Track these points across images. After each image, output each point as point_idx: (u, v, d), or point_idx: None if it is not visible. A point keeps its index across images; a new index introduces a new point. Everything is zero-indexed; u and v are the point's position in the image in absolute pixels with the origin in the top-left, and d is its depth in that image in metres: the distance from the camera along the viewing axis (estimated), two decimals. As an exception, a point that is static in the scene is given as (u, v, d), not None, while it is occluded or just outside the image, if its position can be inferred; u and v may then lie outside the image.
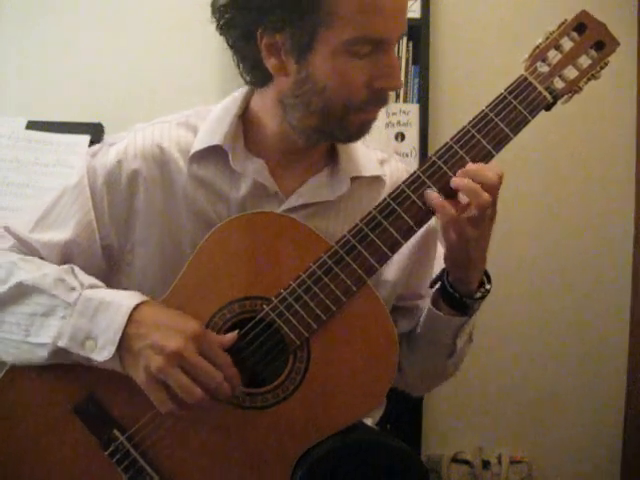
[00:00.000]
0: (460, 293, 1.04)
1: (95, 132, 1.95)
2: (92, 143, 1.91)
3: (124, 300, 0.97)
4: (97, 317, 0.95)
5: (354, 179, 1.10)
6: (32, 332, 0.98)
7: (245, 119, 1.09)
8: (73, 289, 0.98)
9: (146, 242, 1.08)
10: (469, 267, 1.03)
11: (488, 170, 0.96)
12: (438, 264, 1.17)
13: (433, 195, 0.97)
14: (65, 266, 1.03)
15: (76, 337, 0.95)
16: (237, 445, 0.98)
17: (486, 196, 0.94)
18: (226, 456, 0.98)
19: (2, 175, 1.85)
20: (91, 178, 1.08)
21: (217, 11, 1.01)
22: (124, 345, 0.94)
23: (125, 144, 1.09)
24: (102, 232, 1.07)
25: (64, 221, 1.07)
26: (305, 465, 0.95)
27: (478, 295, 1.05)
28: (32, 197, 1.82)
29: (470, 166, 0.97)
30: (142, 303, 0.96)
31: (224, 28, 1.02)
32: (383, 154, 1.18)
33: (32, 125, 1.94)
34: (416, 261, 1.15)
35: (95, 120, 1.98)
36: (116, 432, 0.98)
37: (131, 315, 0.94)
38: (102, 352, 0.94)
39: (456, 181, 0.96)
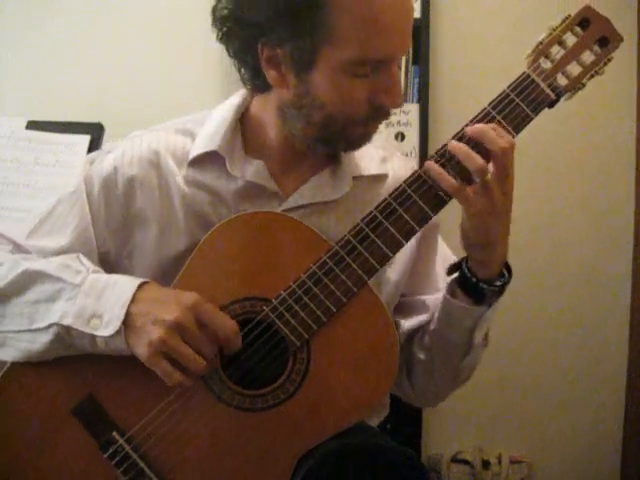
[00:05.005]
0: (478, 278, 1.01)
1: (95, 132, 1.95)
2: (92, 143, 1.91)
3: (128, 280, 0.97)
4: (103, 297, 0.96)
5: (356, 178, 1.10)
6: (37, 319, 0.98)
7: (244, 122, 1.09)
8: (79, 272, 0.99)
9: (144, 246, 1.07)
10: (488, 246, 0.98)
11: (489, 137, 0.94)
12: (442, 259, 1.17)
13: (432, 165, 0.95)
14: (70, 254, 1.03)
15: (82, 315, 0.95)
16: (237, 446, 0.98)
17: (479, 159, 0.93)
18: (226, 458, 0.98)
19: (2, 175, 1.85)
20: (88, 185, 1.08)
21: (217, 22, 1.01)
22: (128, 323, 0.94)
23: (122, 151, 1.09)
24: (99, 239, 1.07)
25: (61, 228, 1.07)
26: (306, 467, 0.95)
27: (497, 283, 1.01)
28: (32, 197, 1.82)
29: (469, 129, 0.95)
30: (145, 283, 0.97)
31: (224, 38, 1.02)
32: (385, 151, 1.17)
33: (32, 125, 1.93)
34: (417, 258, 1.15)
35: (95, 120, 1.97)
36: (115, 434, 0.98)
37: (135, 294, 0.95)
38: (107, 328, 0.94)
39: (451, 144, 0.95)
